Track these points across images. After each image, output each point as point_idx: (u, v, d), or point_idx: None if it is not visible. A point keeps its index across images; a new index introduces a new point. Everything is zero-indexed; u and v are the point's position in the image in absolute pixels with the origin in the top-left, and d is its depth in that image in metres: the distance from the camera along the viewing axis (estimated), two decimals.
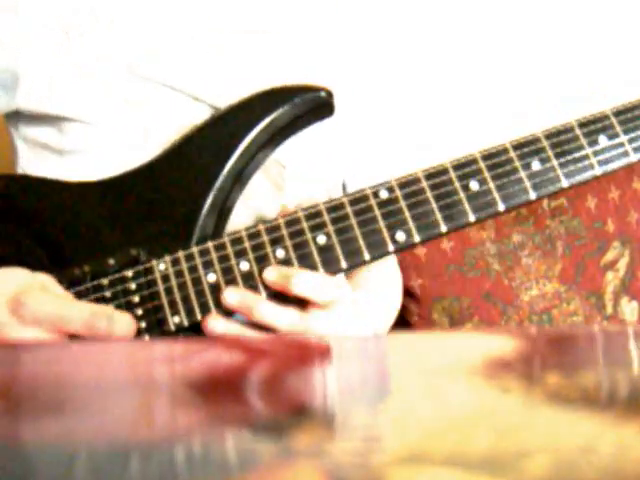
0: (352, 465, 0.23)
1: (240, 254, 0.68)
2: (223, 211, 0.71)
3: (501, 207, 0.68)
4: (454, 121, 1.26)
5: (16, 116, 0.76)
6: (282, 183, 0.77)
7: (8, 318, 0.61)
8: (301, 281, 0.66)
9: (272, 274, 0.67)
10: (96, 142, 0.73)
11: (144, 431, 0.28)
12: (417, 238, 0.68)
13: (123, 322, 0.63)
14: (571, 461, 0.23)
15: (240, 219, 0.73)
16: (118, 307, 0.68)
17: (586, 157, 0.69)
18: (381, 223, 0.67)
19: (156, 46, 0.74)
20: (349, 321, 0.69)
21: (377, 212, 0.68)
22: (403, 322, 1.22)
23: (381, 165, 0.81)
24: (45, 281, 0.65)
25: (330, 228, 0.68)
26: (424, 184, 0.68)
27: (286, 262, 0.68)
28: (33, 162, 0.75)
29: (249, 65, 0.76)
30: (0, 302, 0.62)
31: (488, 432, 0.27)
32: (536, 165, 0.68)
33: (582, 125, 0.69)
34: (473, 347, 0.47)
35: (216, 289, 0.68)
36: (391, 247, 0.68)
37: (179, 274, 0.69)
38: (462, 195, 0.68)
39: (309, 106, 0.71)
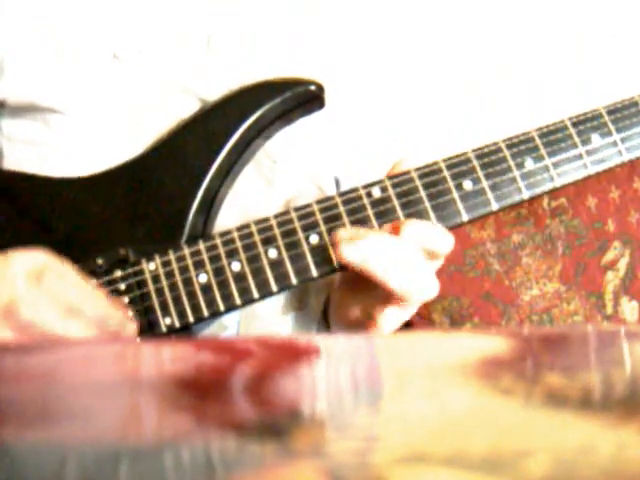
0: (352, 465, 0.23)
1: (231, 254, 0.68)
2: (212, 207, 0.71)
3: (494, 207, 0.67)
4: (447, 117, 1.26)
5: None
6: (273, 178, 0.77)
7: (25, 288, 0.61)
8: (421, 230, 0.65)
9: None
10: (82, 134, 0.73)
11: (135, 434, 0.28)
12: None
13: (130, 331, 0.65)
14: (571, 461, 0.23)
15: (230, 214, 0.73)
16: None
17: (579, 156, 0.68)
18: (374, 222, 0.67)
19: (143, 33, 0.74)
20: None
21: (370, 211, 0.67)
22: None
23: (374, 160, 0.81)
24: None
25: (323, 228, 0.67)
26: (417, 183, 0.68)
27: (278, 263, 0.67)
28: (18, 162, 0.74)
29: (239, 57, 0.76)
30: (19, 271, 0.61)
31: (488, 432, 0.27)
32: (529, 164, 0.68)
33: (575, 124, 0.69)
34: (473, 347, 0.47)
35: (208, 290, 0.67)
36: None
37: (170, 275, 0.68)
38: (455, 194, 0.67)
39: (299, 100, 0.71)
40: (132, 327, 0.65)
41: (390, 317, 0.67)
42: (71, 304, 0.62)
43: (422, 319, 1.19)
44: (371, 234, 0.65)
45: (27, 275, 0.61)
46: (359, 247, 0.64)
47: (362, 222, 0.67)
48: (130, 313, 0.67)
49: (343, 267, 0.67)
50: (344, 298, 0.72)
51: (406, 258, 0.64)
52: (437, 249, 0.66)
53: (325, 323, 0.81)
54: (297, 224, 0.68)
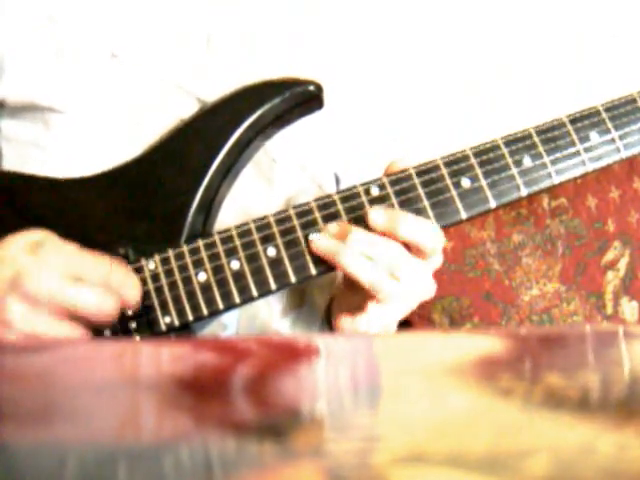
0: (351, 465, 0.23)
1: (230, 253, 0.68)
2: (212, 207, 0.71)
3: (493, 204, 0.67)
4: (447, 117, 1.26)
5: None
6: (272, 177, 0.77)
7: (26, 260, 0.62)
8: (408, 224, 0.65)
9: (378, 215, 0.65)
10: (81, 134, 0.73)
11: (134, 434, 0.28)
12: None
13: (134, 284, 0.65)
14: (571, 461, 0.23)
15: (230, 214, 0.73)
16: None
17: (577, 153, 0.68)
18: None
19: (142, 33, 0.74)
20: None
21: (368, 209, 0.68)
22: (403, 322, 1.22)
23: (373, 158, 0.81)
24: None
25: (321, 226, 0.67)
26: (415, 181, 0.68)
27: (277, 261, 0.67)
28: (18, 163, 0.74)
29: (239, 57, 0.76)
30: (19, 245, 0.62)
31: (488, 432, 0.27)
32: (527, 162, 0.68)
33: (573, 121, 0.69)
34: (472, 347, 0.47)
35: (207, 288, 0.67)
36: None
37: (169, 273, 0.68)
38: (454, 192, 0.67)
39: (298, 100, 0.71)
40: (135, 285, 0.66)
41: (372, 314, 0.67)
42: (72, 268, 0.62)
43: (422, 319, 1.19)
44: (352, 230, 0.65)
45: (26, 247, 0.62)
46: (331, 241, 0.65)
47: (361, 220, 0.67)
48: (132, 273, 0.67)
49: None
50: (342, 294, 0.73)
51: (384, 254, 0.64)
52: (423, 244, 0.65)
53: (328, 322, 0.82)
54: (296, 222, 0.68)
